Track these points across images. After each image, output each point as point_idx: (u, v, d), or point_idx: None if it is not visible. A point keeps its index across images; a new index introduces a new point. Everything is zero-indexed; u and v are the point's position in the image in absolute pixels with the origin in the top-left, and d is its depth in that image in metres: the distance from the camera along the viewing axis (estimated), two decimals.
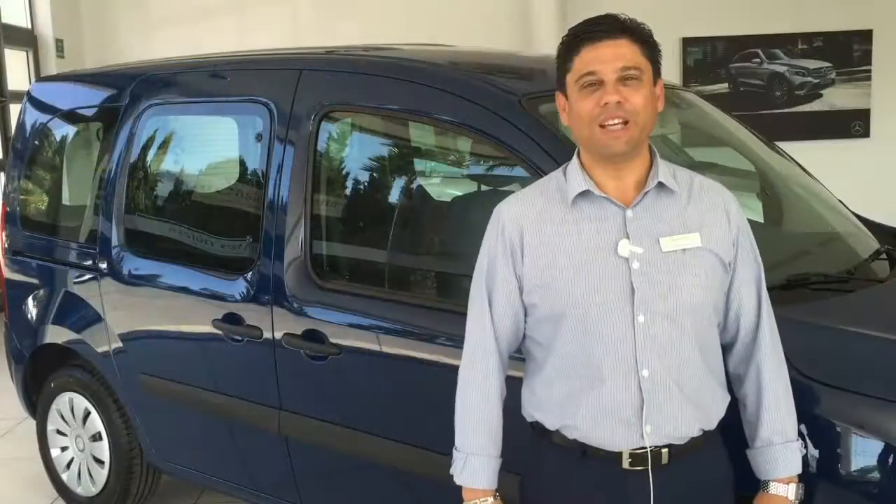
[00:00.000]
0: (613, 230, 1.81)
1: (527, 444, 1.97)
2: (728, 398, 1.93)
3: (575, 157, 1.89)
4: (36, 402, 4.03)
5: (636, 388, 1.79)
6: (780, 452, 1.89)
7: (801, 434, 1.96)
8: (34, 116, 4.05)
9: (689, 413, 1.82)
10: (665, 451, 1.82)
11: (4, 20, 7.74)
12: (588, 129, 1.79)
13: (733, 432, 1.94)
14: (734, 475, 1.95)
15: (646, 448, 1.81)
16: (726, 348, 1.94)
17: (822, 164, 4.93)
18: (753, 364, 1.91)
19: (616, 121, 1.75)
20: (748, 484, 1.94)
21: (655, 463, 1.82)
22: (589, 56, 1.77)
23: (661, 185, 1.83)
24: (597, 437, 1.83)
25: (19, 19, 8.22)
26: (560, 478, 1.89)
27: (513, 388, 1.99)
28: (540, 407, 1.91)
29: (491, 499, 1.94)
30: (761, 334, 1.91)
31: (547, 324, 1.86)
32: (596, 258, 1.80)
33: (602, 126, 1.76)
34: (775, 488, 1.89)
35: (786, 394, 1.91)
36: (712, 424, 1.88)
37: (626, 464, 1.82)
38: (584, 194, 1.83)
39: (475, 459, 1.93)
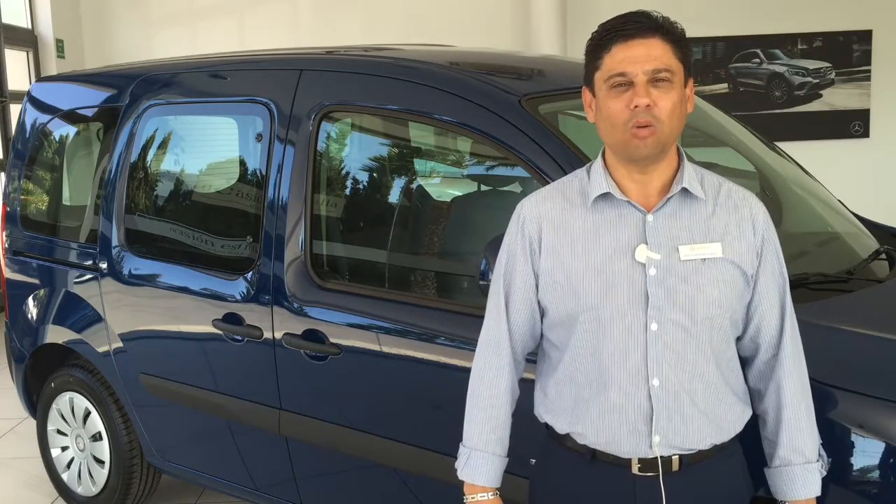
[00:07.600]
0: (633, 235, 1.77)
1: (538, 447, 1.96)
2: (749, 414, 1.88)
3: (599, 157, 1.85)
4: (36, 401, 4.04)
5: (645, 397, 1.76)
6: (799, 473, 1.83)
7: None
8: (34, 116, 4.05)
9: (700, 426, 1.78)
10: (676, 458, 1.79)
11: (4, 20, 7.74)
12: (616, 130, 1.74)
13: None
14: (750, 487, 1.92)
15: (655, 457, 1.78)
16: (746, 363, 1.90)
17: (822, 164, 4.96)
18: (774, 380, 1.86)
19: (645, 124, 1.71)
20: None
21: (666, 470, 1.79)
22: (620, 55, 1.72)
23: (685, 190, 1.79)
24: (605, 444, 1.80)
25: (19, 19, 8.23)
26: (569, 481, 1.88)
27: (528, 391, 1.97)
28: (551, 409, 1.90)
29: (489, 494, 1.92)
30: (783, 350, 1.85)
31: (561, 325, 1.84)
32: (612, 262, 1.77)
33: (630, 129, 1.71)
34: None
35: (807, 413, 1.86)
36: (725, 439, 1.83)
37: (635, 469, 1.79)
38: (605, 196, 1.79)
39: (478, 455, 1.91)
